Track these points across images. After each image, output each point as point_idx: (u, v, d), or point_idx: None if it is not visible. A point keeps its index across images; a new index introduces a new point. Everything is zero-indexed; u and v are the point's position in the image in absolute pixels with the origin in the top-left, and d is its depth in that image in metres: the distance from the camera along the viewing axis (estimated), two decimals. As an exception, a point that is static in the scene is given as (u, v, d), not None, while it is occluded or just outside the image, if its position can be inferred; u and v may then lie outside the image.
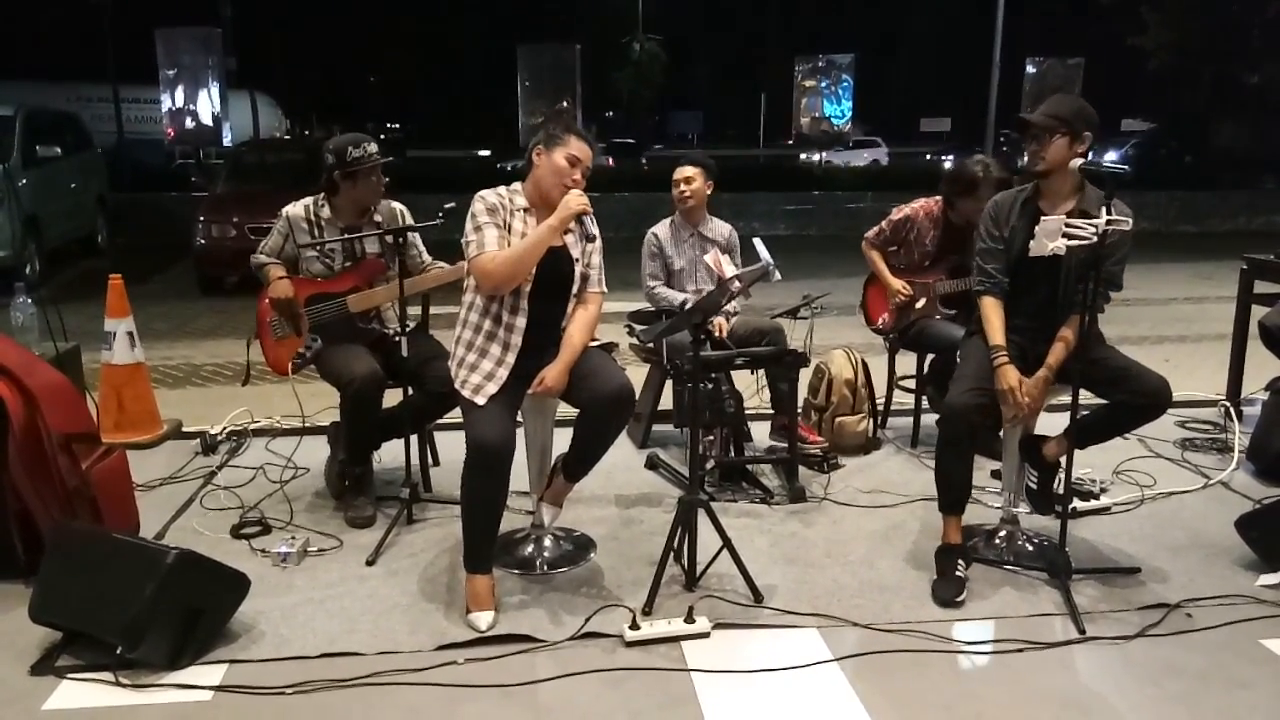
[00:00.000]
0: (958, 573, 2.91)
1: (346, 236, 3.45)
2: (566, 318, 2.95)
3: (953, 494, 3.01)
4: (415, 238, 3.59)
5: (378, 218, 3.51)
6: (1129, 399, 2.88)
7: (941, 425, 2.97)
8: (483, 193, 2.88)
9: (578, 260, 2.93)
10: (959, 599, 2.84)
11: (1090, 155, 2.93)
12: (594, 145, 2.92)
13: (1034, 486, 3.15)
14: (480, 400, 2.75)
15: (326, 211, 3.48)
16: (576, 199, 2.76)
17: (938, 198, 4.14)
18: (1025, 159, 3.01)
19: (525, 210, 2.89)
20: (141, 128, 20.67)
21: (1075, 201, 2.92)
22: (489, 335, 2.86)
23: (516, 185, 2.94)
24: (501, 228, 2.82)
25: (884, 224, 4.23)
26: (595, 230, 2.98)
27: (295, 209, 3.49)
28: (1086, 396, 2.91)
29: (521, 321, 2.83)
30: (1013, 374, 2.89)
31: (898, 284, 4.14)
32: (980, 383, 2.92)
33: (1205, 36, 19.50)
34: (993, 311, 3.01)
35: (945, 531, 3.01)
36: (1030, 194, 3.00)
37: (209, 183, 11.69)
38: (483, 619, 2.70)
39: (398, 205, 3.57)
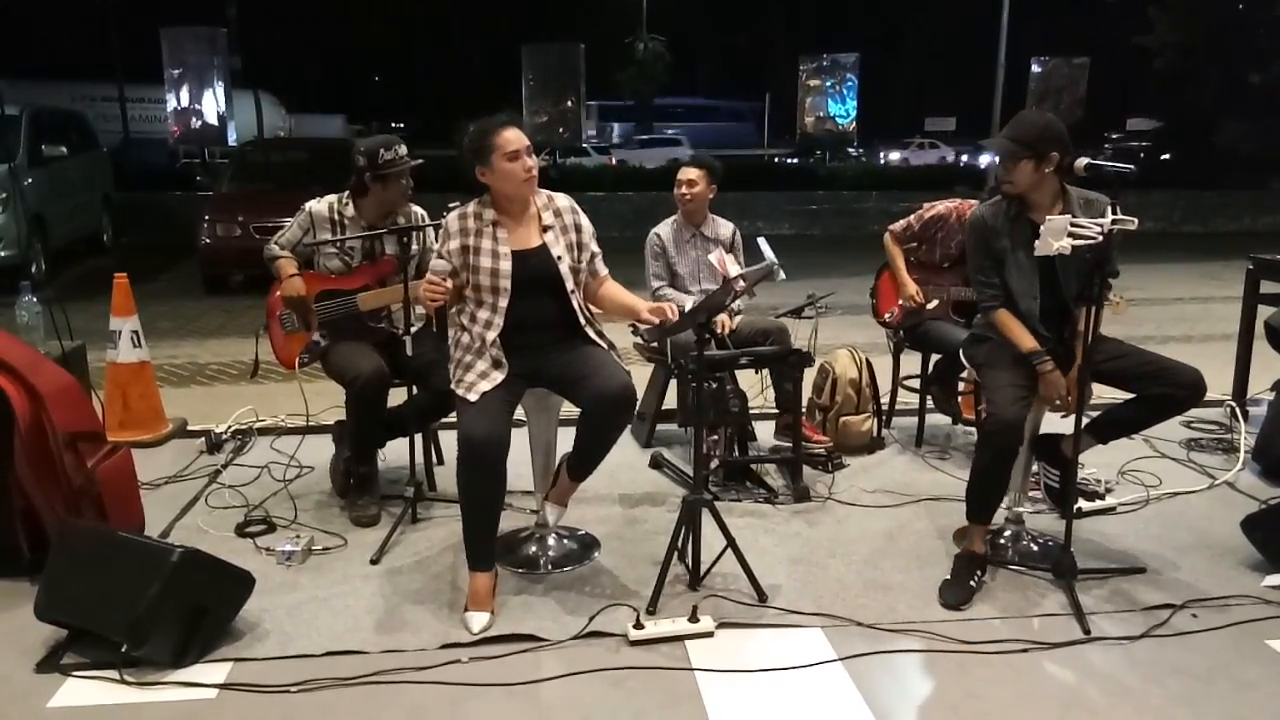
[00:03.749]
0: (972, 582, 2.90)
1: (367, 234, 3.45)
2: (581, 311, 2.95)
3: (991, 505, 3.00)
4: (430, 239, 3.60)
5: (400, 219, 3.51)
6: (1171, 391, 2.88)
7: (991, 439, 2.88)
8: (449, 216, 2.90)
9: (560, 259, 2.91)
10: (964, 606, 2.83)
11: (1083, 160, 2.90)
12: (519, 121, 2.87)
13: (1054, 485, 3.14)
14: (472, 397, 2.76)
15: (350, 210, 3.47)
16: (428, 294, 2.73)
17: (972, 201, 4.08)
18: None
19: (495, 224, 2.87)
20: (146, 127, 20.73)
21: (1060, 208, 2.92)
22: (481, 338, 2.86)
23: (487, 197, 2.91)
24: (446, 259, 2.84)
25: (912, 219, 4.20)
26: (576, 221, 2.98)
27: (319, 205, 3.48)
28: (1100, 394, 2.91)
29: (493, 335, 2.82)
30: (1060, 376, 2.90)
31: (913, 288, 4.12)
32: (1021, 390, 2.89)
33: (1211, 36, 19.44)
34: (1011, 320, 2.99)
35: (972, 540, 2.98)
36: (1016, 210, 2.98)
37: (214, 182, 11.70)
38: (476, 620, 2.69)
39: (418, 209, 3.57)
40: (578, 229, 2.99)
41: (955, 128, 30.73)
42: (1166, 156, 19.12)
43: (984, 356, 3.07)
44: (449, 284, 2.76)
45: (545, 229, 2.92)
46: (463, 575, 2.89)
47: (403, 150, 3.41)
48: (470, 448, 2.68)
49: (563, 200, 3.01)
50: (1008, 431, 2.84)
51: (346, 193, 3.49)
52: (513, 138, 2.79)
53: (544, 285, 2.89)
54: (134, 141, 18.01)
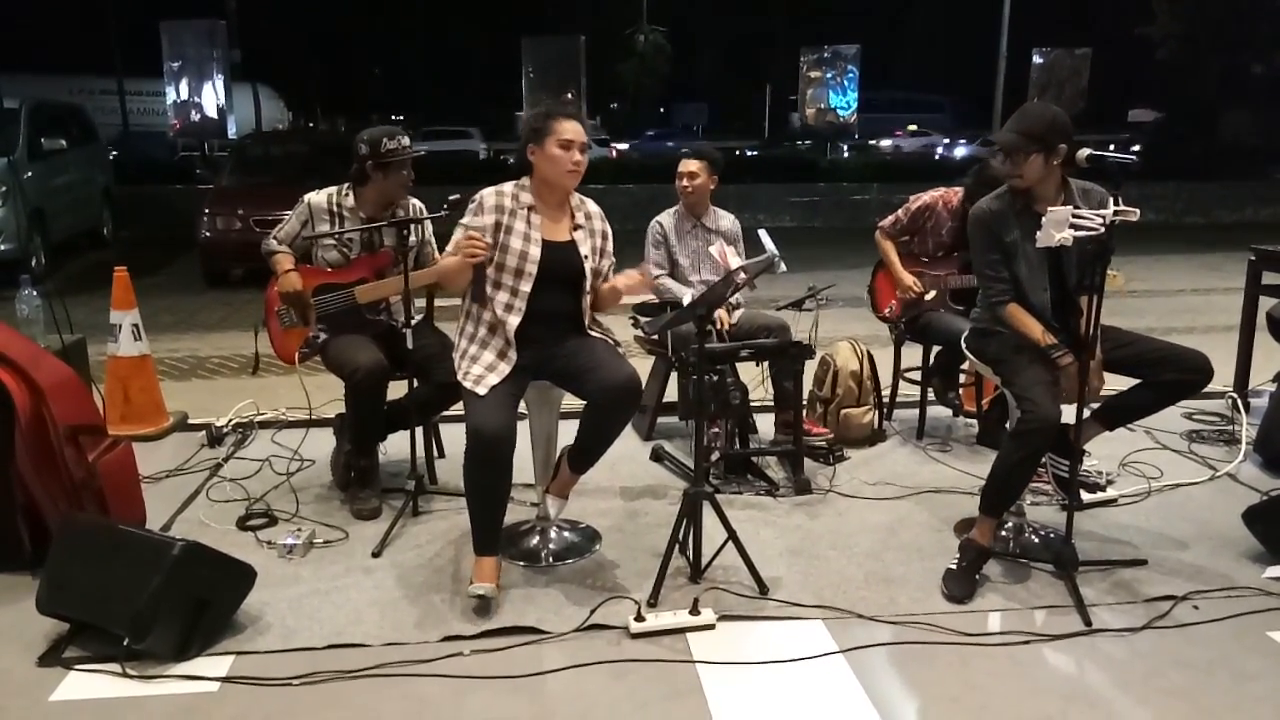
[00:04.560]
0: (976, 575, 2.89)
1: (365, 226, 3.45)
2: (588, 310, 2.97)
3: (1011, 500, 2.99)
4: (429, 232, 3.61)
5: (399, 213, 3.51)
6: (1181, 376, 2.89)
7: (1032, 436, 2.82)
8: (484, 192, 2.89)
9: (587, 257, 2.94)
10: (968, 599, 2.83)
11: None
12: (582, 119, 2.92)
13: (1065, 475, 3.14)
14: (481, 390, 2.76)
15: (350, 201, 3.48)
16: (469, 249, 2.75)
17: (957, 189, 4.09)
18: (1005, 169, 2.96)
19: (530, 209, 2.89)
20: (143, 120, 20.70)
21: (1062, 199, 2.91)
22: (490, 328, 2.87)
23: (525, 181, 2.94)
24: (478, 230, 2.85)
25: (900, 213, 4.21)
26: (604, 228, 3.05)
27: (318, 197, 3.49)
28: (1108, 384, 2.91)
29: (515, 320, 2.85)
30: (1073, 361, 2.86)
31: (909, 280, 4.12)
32: (1054, 386, 2.87)
33: (1213, 26, 19.36)
34: (1023, 314, 2.97)
35: (981, 531, 2.95)
36: (1022, 204, 2.97)
37: (214, 175, 11.69)
38: (480, 587, 2.72)
39: (417, 202, 3.57)
40: (604, 236, 3.05)
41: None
42: (1137, 148, 19.03)
43: (997, 352, 3.04)
44: (488, 239, 2.79)
45: (576, 227, 2.97)
46: (464, 567, 2.90)
47: (405, 141, 3.43)
48: (480, 442, 2.69)
49: (594, 206, 3.07)
50: (1049, 429, 2.81)
51: (346, 184, 3.49)
52: (571, 128, 2.84)
53: (565, 279, 2.91)
54: (131, 135, 17.99)
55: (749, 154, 20.56)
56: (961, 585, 2.85)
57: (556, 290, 2.90)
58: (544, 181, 2.89)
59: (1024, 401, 2.84)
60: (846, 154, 18.71)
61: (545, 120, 2.85)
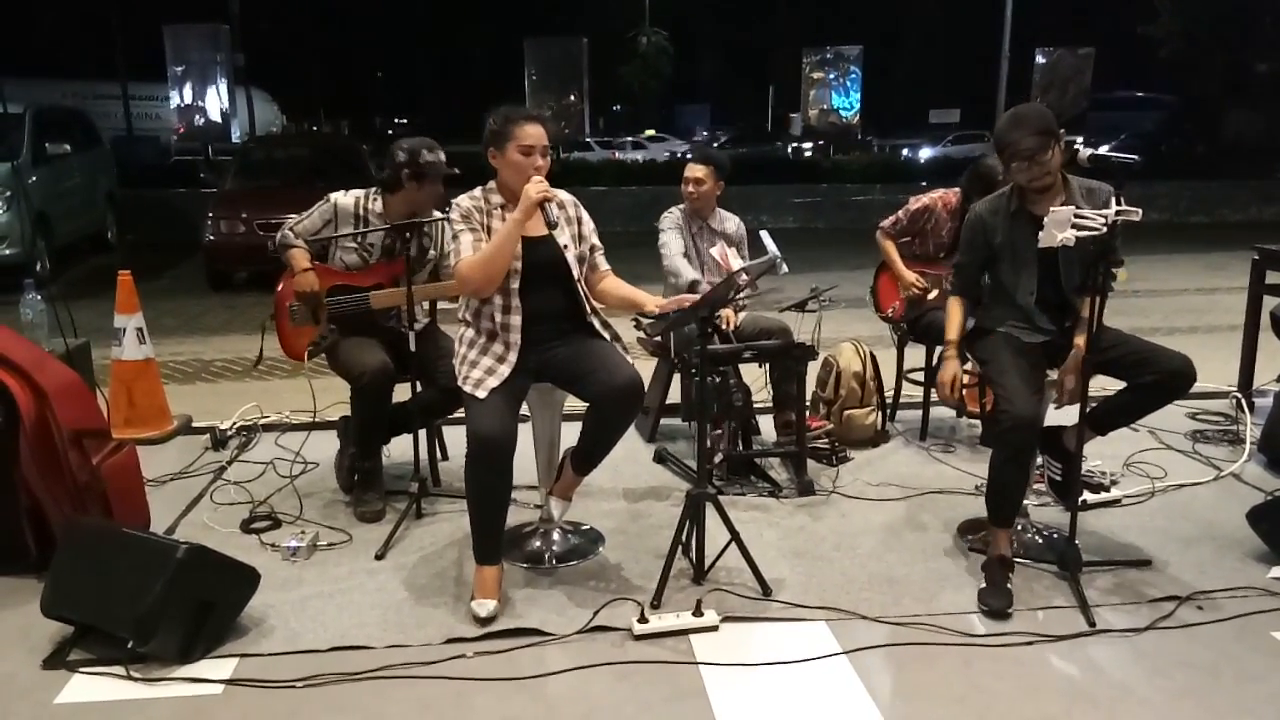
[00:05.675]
0: (1008, 585, 2.85)
1: (391, 225, 3.44)
2: (586, 299, 2.96)
3: (1011, 507, 2.94)
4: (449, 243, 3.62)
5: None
6: (1158, 379, 2.86)
7: (1008, 436, 2.81)
8: (457, 200, 2.90)
9: (566, 247, 2.92)
10: (1009, 610, 2.77)
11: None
12: (545, 121, 2.89)
13: (1058, 479, 3.13)
14: (481, 394, 2.76)
15: (378, 206, 3.47)
16: (536, 188, 2.74)
17: (956, 190, 4.12)
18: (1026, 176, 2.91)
19: (502, 207, 2.89)
20: (143, 124, 20.70)
21: (1062, 198, 2.91)
22: (489, 334, 2.87)
23: (492, 184, 2.93)
24: (479, 230, 2.84)
25: (900, 213, 4.23)
26: (579, 215, 3.02)
27: (345, 198, 3.47)
28: (1101, 385, 2.90)
29: (517, 320, 2.84)
30: (954, 366, 3.03)
31: (911, 276, 4.14)
32: (1032, 386, 2.87)
33: (1215, 24, 19.34)
34: (958, 310, 3.12)
35: (997, 544, 2.91)
36: (1017, 206, 2.97)
37: (218, 179, 11.72)
38: (483, 606, 2.71)
39: (439, 213, 3.57)
40: (580, 221, 3.02)
41: (959, 119, 30.63)
42: (1106, 149, 19.04)
43: (986, 352, 3.06)
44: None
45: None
46: (467, 570, 2.90)
47: (443, 156, 3.44)
48: (481, 446, 2.69)
49: (565, 195, 3.04)
50: (1024, 428, 2.80)
51: (375, 189, 3.49)
52: (532, 133, 2.81)
53: (551, 274, 2.90)
54: (122, 139, 17.95)
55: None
56: (998, 598, 2.78)
57: (545, 287, 2.88)
58: (507, 186, 2.88)
59: (1000, 400, 2.86)
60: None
61: (506, 125, 2.82)
